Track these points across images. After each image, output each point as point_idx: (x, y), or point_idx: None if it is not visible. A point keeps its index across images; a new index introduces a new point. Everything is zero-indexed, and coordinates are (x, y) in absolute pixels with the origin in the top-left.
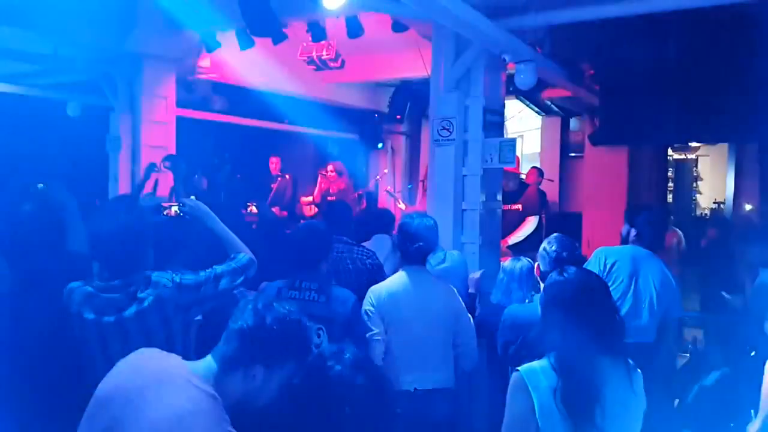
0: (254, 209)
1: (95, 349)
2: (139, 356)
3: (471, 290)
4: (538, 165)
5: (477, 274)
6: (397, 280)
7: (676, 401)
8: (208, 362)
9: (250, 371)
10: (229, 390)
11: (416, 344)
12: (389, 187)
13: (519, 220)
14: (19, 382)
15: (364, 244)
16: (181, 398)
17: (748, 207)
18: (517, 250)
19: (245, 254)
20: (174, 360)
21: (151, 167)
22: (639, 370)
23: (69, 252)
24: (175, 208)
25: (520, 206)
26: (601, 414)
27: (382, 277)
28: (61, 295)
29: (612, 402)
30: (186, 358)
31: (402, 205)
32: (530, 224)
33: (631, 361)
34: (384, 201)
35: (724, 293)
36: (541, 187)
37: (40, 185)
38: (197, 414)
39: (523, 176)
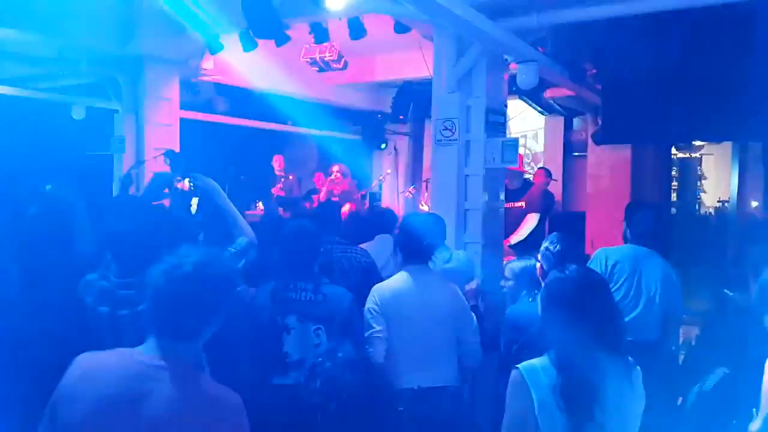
0: (261, 206)
1: (109, 342)
2: (85, 355)
3: (472, 302)
4: (543, 166)
5: (473, 285)
6: (400, 279)
7: (680, 399)
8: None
9: None
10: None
11: (419, 343)
12: (412, 189)
13: (522, 218)
14: (27, 381)
15: (367, 244)
16: (128, 374)
17: (753, 205)
18: (520, 249)
19: (244, 237)
20: (121, 349)
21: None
22: (638, 368)
23: (77, 252)
24: (187, 182)
25: (523, 204)
26: (600, 411)
27: (377, 275)
28: (69, 294)
29: (611, 399)
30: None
31: (425, 207)
32: (531, 222)
33: (630, 359)
34: (387, 201)
35: (726, 291)
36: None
37: (48, 186)
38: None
39: (527, 175)
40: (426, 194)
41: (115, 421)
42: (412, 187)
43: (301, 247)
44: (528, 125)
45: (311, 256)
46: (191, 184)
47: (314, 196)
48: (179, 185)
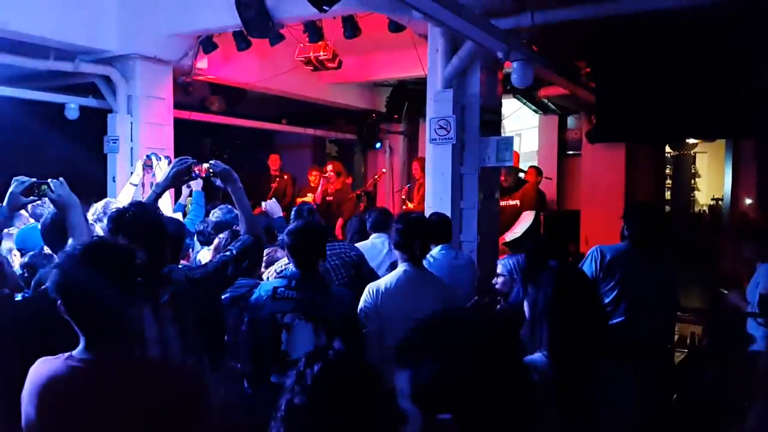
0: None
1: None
2: None
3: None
4: (535, 164)
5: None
6: (394, 277)
7: (674, 396)
8: None
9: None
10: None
11: None
12: (407, 189)
13: (516, 216)
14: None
15: (361, 243)
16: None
17: (746, 202)
18: (514, 246)
19: (248, 236)
20: None
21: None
22: (630, 364)
23: None
24: (206, 166)
25: (518, 202)
26: (594, 405)
27: (367, 267)
28: None
29: (604, 397)
30: (197, 350)
31: (411, 205)
32: (527, 220)
33: (622, 357)
34: (382, 200)
35: (722, 290)
36: (540, 186)
37: (44, 186)
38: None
39: (521, 175)
40: (417, 194)
41: None
42: (407, 186)
43: (306, 246)
44: (522, 123)
45: (316, 254)
46: (210, 170)
47: (317, 194)
48: (197, 168)
